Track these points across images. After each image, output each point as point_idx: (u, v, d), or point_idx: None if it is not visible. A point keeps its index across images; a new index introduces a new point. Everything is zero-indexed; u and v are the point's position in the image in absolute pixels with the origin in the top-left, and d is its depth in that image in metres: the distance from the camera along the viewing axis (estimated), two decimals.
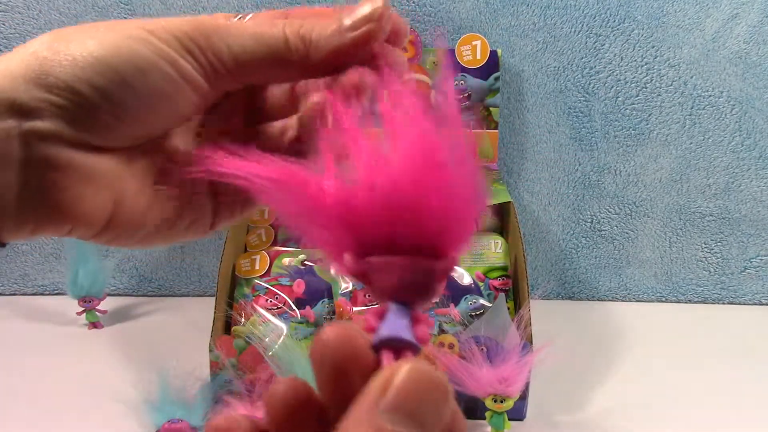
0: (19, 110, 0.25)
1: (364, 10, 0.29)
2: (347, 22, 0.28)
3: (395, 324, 0.22)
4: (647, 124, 0.87)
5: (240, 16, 0.28)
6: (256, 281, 0.74)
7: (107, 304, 0.86)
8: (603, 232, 0.91)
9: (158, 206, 0.29)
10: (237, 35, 0.27)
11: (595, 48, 0.85)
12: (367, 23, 0.28)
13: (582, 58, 0.86)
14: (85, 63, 0.26)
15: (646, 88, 0.86)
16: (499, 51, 0.83)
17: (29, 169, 0.25)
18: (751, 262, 0.91)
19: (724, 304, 0.92)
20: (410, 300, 0.23)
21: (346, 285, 0.74)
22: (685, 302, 0.92)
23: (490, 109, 0.84)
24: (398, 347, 0.22)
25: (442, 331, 0.70)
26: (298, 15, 0.29)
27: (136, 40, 0.26)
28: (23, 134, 0.25)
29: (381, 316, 0.22)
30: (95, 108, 0.26)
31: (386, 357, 0.21)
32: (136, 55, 0.26)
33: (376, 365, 0.21)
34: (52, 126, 0.25)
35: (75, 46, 0.26)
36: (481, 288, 0.73)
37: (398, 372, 0.20)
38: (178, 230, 0.30)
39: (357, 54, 0.28)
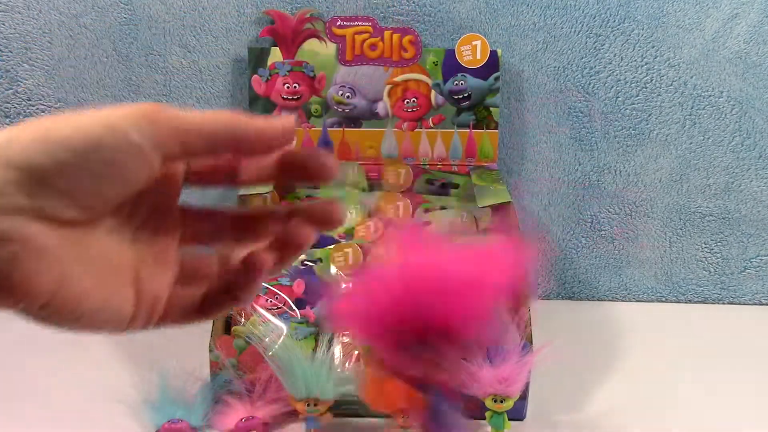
0: None
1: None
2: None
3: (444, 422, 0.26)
4: (647, 124, 0.87)
5: None
6: None
7: None
8: (603, 232, 0.91)
9: (96, 293, 0.31)
10: (186, 112, 0.30)
11: (595, 48, 0.85)
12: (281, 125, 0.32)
13: (582, 58, 0.86)
14: (39, 138, 0.28)
15: (646, 88, 0.86)
16: (499, 51, 0.83)
17: None
18: (751, 262, 0.91)
19: (724, 304, 0.92)
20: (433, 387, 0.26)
21: (346, 285, 0.74)
22: (685, 302, 0.92)
23: (490, 109, 0.84)
24: None
25: None
26: None
27: (91, 117, 0.29)
28: None
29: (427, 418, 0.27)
30: (50, 177, 0.28)
31: None
32: (88, 128, 0.29)
33: None
34: (11, 200, 0.28)
35: (32, 128, 0.29)
36: None
37: None
38: (100, 320, 0.33)
39: (278, 138, 0.32)
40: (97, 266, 0.31)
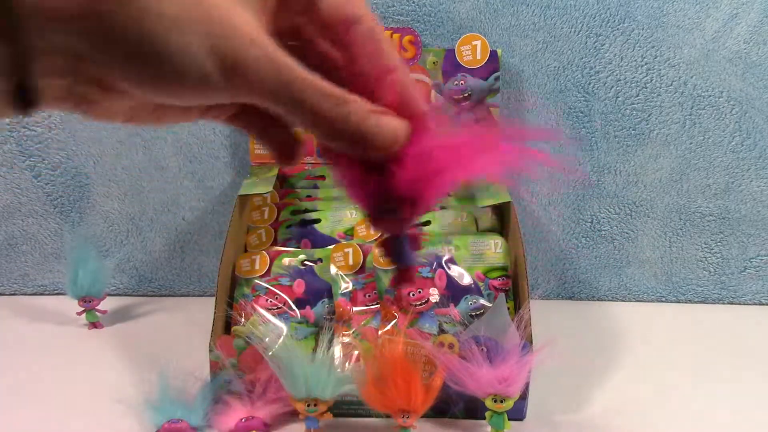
0: None
1: (391, 128, 0.31)
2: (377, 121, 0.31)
3: (403, 253, 0.35)
4: (647, 124, 0.87)
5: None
6: (256, 281, 0.74)
7: (107, 304, 0.86)
8: (603, 232, 0.91)
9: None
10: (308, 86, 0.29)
11: (595, 48, 0.85)
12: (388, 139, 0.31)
13: (582, 58, 0.86)
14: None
15: (646, 88, 0.86)
16: (499, 51, 0.83)
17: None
18: (751, 262, 0.91)
19: (724, 304, 0.92)
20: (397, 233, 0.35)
21: (346, 285, 0.74)
22: (685, 302, 0.92)
23: (490, 109, 0.84)
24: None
25: (442, 331, 0.70)
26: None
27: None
28: None
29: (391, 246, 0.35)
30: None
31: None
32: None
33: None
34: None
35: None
36: (481, 288, 0.73)
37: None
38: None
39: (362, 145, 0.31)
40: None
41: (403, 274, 0.35)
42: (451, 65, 0.83)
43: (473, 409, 0.66)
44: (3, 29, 0.25)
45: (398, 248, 0.35)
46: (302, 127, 0.30)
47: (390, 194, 0.33)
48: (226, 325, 0.72)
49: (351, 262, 0.75)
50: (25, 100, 0.27)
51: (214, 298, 0.71)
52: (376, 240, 0.74)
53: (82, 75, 0.28)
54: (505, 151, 0.35)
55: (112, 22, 0.26)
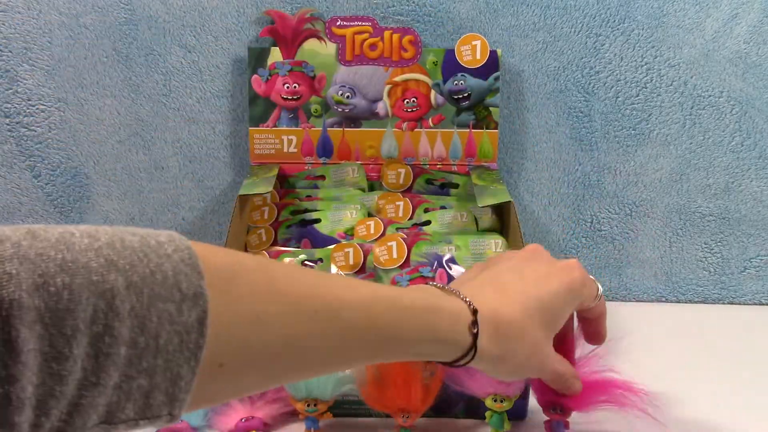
0: None
1: (580, 386, 0.60)
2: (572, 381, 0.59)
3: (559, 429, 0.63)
4: (647, 124, 0.87)
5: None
6: None
7: None
8: (603, 232, 0.91)
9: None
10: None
11: (595, 48, 0.85)
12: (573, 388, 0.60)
13: (582, 58, 0.86)
14: None
15: (646, 88, 0.86)
16: (499, 51, 0.83)
17: None
18: (751, 262, 0.91)
19: (724, 304, 0.92)
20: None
21: None
22: (685, 302, 0.92)
23: (490, 109, 0.84)
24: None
25: None
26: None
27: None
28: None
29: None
30: None
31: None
32: None
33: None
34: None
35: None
36: None
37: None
38: None
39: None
40: None
41: None
42: (451, 65, 0.83)
43: (473, 409, 0.66)
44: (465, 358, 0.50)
45: (556, 427, 0.62)
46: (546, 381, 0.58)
47: (559, 402, 0.61)
48: None
49: (351, 262, 0.75)
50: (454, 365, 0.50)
51: None
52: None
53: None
54: (628, 392, 0.63)
55: (509, 367, 0.53)
